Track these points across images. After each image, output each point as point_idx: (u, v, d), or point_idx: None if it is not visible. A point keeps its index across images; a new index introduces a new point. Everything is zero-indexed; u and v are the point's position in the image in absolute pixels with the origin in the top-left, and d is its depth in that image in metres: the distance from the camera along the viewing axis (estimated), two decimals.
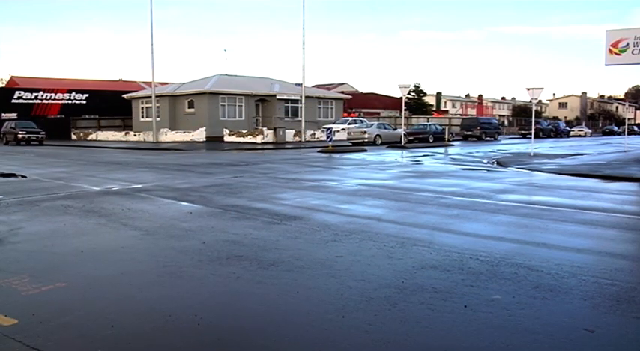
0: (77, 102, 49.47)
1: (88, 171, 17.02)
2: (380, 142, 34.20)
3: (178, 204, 10.37)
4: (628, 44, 20.92)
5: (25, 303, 4.84)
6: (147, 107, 42.71)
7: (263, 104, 42.64)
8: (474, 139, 44.08)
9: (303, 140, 36.57)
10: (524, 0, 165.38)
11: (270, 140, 34.29)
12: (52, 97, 48.43)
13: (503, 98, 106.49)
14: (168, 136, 37.78)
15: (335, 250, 6.69)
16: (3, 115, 43.92)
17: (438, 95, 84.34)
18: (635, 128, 70.75)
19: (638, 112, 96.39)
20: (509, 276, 5.59)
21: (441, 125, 43.32)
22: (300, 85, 38.08)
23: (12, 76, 57.16)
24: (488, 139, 45.21)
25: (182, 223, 8.37)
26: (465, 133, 44.99)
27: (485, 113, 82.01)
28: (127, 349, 3.96)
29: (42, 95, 47.79)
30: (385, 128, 37.22)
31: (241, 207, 9.88)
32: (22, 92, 47.24)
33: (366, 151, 28.20)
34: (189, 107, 40.63)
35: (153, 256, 6.56)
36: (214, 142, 35.56)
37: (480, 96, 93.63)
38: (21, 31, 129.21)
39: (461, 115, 76.14)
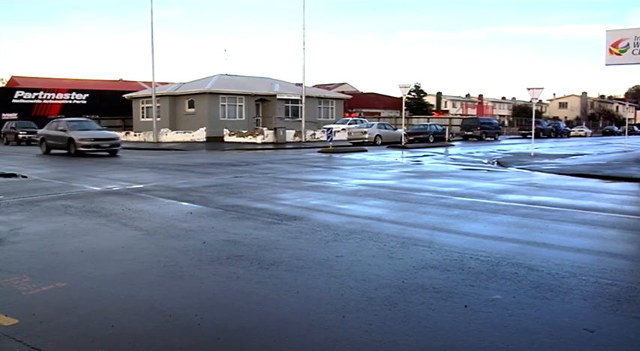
0: (77, 102, 49.45)
1: (88, 171, 17.02)
2: (380, 142, 34.21)
3: (178, 204, 10.37)
4: (628, 44, 20.93)
5: (25, 303, 4.84)
6: (147, 107, 42.71)
7: (263, 104, 42.64)
8: (475, 139, 44.10)
9: (303, 140, 36.56)
10: (524, 0, 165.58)
11: (271, 140, 34.28)
12: (53, 97, 48.41)
13: (503, 98, 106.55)
14: (169, 136, 37.77)
15: (335, 250, 6.69)
16: (3, 115, 43.97)
17: (439, 95, 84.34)
18: (636, 128, 70.81)
19: (638, 112, 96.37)
20: (510, 276, 5.59)
21: (441, 125, 43.32)
22: (301, 85, 38.06)
23: (12, 76, 57.22)
24: (489, 139, 45.23)
25: (182, 223, 8.38)
26: (466, 133, 45.01)
27: (486, 113, 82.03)
28: (128, 349, 3.96)
29: (42, 95, 47.78)
30: (385, 128, 37.23)
31: (241, 207, 9.88)
32: (23, 92, 47.24)
33: (366, 151, 28.19)
34: (189, 107, 40.64)
35: (153, 256, 6.56)
36: (214, 142, 35.56)
37: (480, 96, 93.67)
38: (21, 31, 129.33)
39: (461, 115, 76.15)
